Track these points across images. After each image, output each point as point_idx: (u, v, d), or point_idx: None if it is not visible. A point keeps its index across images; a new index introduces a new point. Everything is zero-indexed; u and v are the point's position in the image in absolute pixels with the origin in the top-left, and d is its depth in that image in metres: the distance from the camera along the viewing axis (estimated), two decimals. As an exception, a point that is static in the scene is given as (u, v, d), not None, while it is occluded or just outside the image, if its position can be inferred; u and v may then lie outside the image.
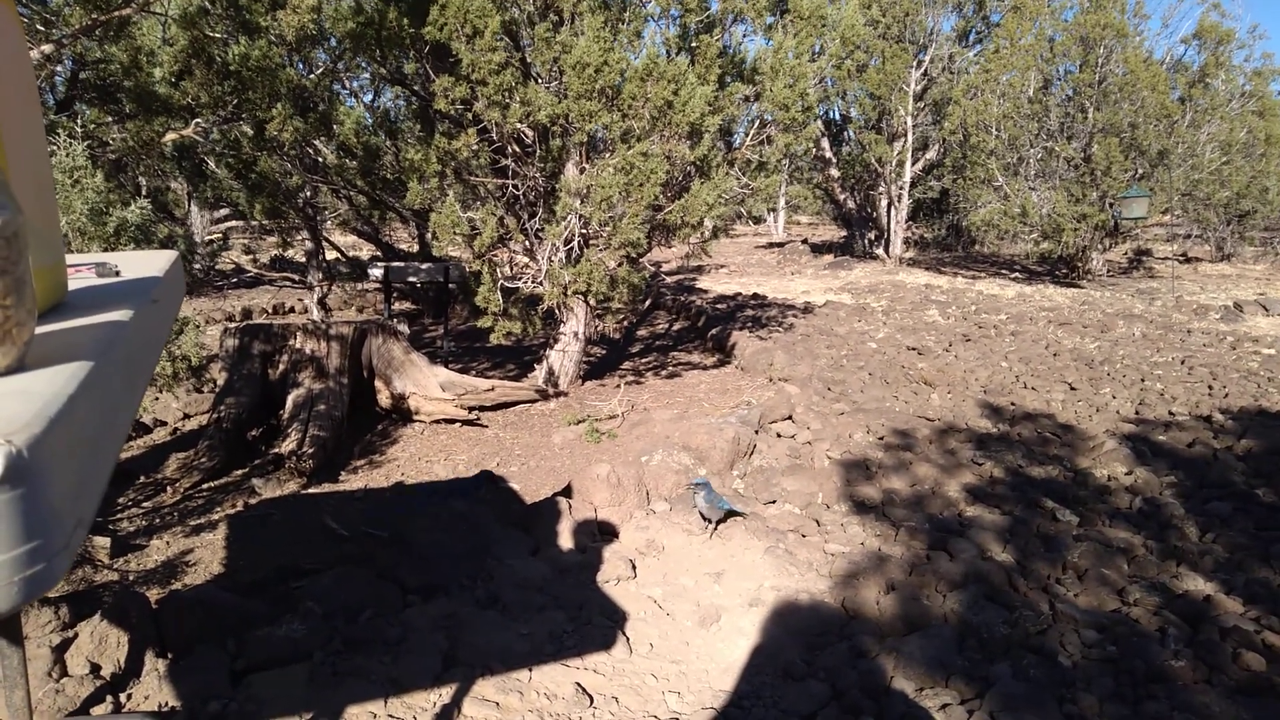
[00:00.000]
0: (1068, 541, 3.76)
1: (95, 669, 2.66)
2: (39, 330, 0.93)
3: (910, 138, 15.40)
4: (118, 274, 1.49)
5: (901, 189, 15.67)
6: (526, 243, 6.56)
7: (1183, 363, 7.07)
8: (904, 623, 3.14)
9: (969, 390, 6.50)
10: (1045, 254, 13.59)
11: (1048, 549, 3.72)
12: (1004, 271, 14.79)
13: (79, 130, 4.63)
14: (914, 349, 8.00)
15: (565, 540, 3.94)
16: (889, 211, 16.25)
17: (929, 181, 17.28)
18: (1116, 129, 12.56)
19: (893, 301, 11.10)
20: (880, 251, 16.50)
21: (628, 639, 3.12)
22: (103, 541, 4.00)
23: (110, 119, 6.15)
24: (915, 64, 15.18)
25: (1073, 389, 6.41)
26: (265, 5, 5.79)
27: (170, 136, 5.50)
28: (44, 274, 1.09)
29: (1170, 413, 5.71)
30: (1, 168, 0.95)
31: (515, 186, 6.42)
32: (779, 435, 5.51)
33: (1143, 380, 6.54)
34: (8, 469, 0.57)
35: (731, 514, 4.05)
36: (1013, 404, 6.06)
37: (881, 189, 16.35)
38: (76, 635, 2.74)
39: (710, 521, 3.96)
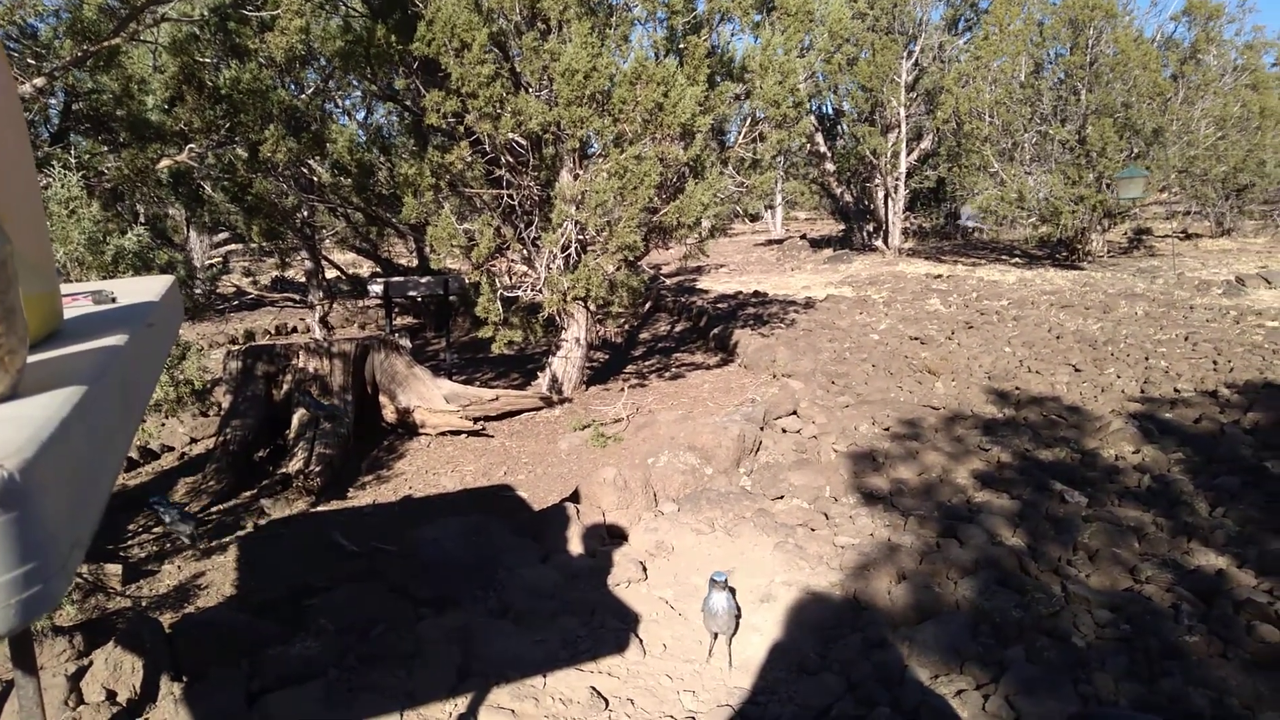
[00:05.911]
0: (1078, 523, 3.75)
1: (111, 695, 2.67)
2: (34, 359, 0.94)
3: (904, 128, 15.39)
4: (114, 301, 1.50)
5: (898, 180, 15.66)
6: (524, 251, 6.57)
7: (1186, 339, 7.05)
8: (916, 611, 3.14)
9: (973, 377, 6.49)
10: (1044, 238, 13.56)
11: (1058, 531, 3.71)
12: (1004, 257, 14.76)
13: (73, 161, 4.65)
14: (917, 339, 7.98)
15: (575, 545, 3.94)
16: (886, 203, 16.24)
17: (925, 171, 17.27)
18: (1110, 109, 12.54)
19: (894, 292, 11.09)
20: (879, 243, 16.49)
21: (641, 641, 3.12)
22: (114, 569, 4.02)
23: (105, 148, 6.19)
24: (905, 55, 15.18)
25: (1077, 371, 6.39)
26: (254, 28, 5.82)
27: (165, 163, 5.53)
28: (37, 302, 1.10)
29: (1176, 389, 5.69)
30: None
31: (510, 196, 6.43)
32: (784, 431, 5.50)
33: (1147, 359, 6.52)
34: (0, 494, 0.57)
35: None
36: (1018, 389, 6.05)
37: (877, 181, 16.34)
38: (91, 663, 2.76)
39: None
